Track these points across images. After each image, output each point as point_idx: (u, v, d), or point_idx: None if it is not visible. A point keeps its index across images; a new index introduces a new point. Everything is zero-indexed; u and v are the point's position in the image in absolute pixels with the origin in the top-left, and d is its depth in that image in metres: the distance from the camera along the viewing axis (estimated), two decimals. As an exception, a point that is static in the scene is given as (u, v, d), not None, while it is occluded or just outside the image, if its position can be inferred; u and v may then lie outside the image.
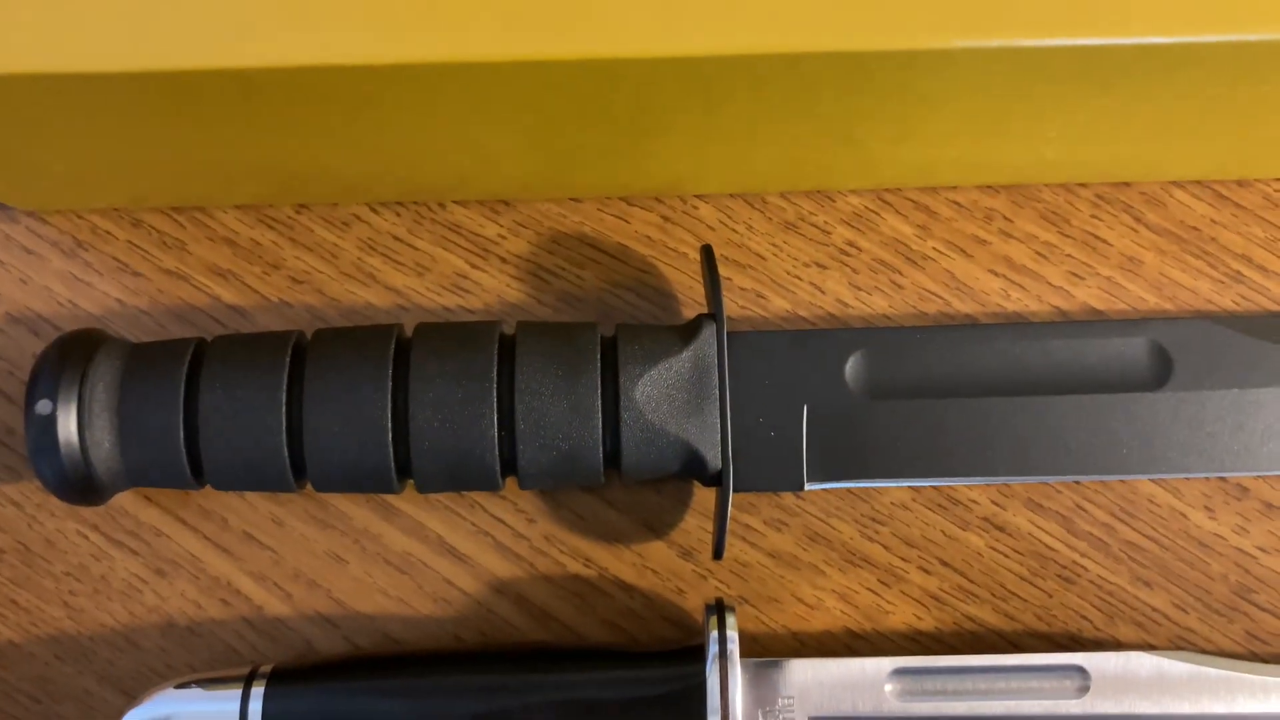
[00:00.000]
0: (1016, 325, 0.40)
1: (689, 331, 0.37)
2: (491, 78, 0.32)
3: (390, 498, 0.40)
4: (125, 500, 0.40)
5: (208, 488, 0.37)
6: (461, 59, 0.31)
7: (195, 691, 0.36)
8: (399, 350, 0.37)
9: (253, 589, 0.40)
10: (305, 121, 0.35)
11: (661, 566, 0.40)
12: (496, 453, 0.36)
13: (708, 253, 0.38)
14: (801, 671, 0.36)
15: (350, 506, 0.40)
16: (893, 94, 0.33)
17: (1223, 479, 0.40)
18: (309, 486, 0.37)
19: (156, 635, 0.40)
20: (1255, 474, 0.39)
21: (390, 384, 0.36)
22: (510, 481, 0.38)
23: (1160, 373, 0.38)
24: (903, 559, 0.40)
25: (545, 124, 0.36)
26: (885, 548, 0.40)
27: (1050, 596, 0.39)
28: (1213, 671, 0.36)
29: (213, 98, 0.33)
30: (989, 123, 0.36)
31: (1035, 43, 0.30)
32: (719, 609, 0.36)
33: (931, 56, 0.30)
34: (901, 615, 0.39)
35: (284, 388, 0.36)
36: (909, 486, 0.40)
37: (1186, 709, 0.36)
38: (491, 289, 0.41)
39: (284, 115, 0.34)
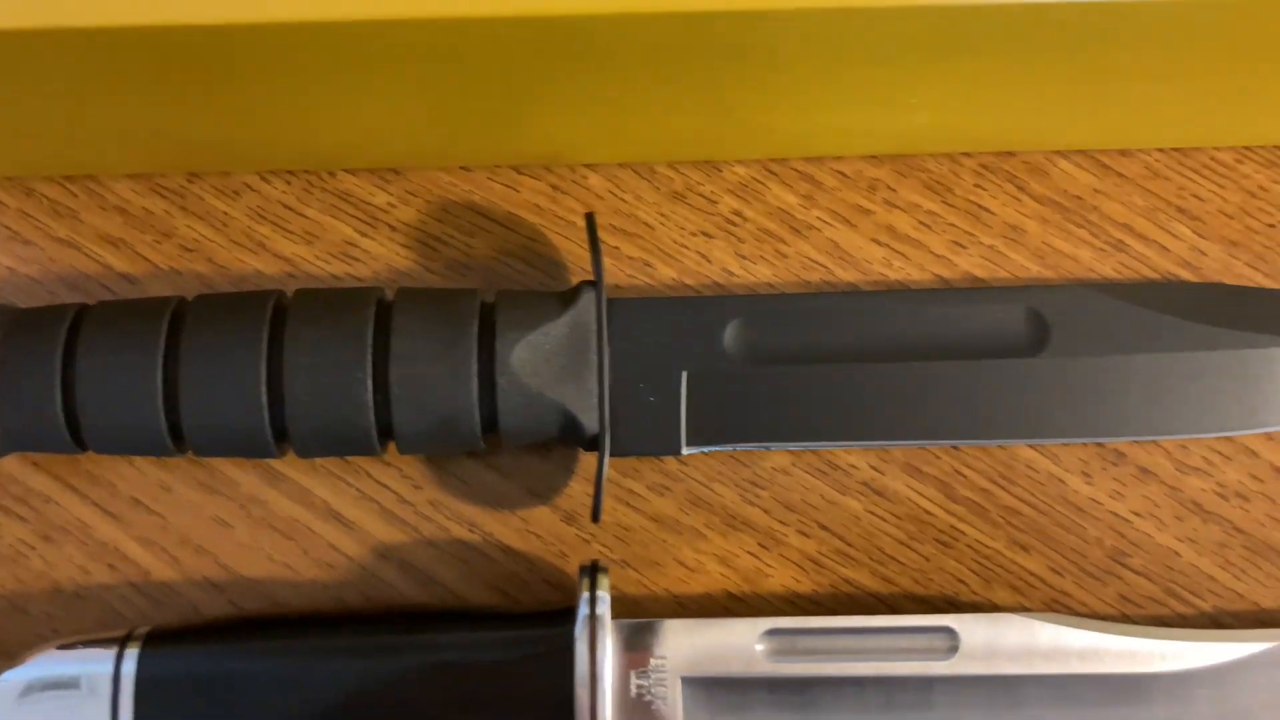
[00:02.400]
0: (895, 292, 0.40)
1: (569, 297, 0.38)
2: (352, 38, 0.32)
3: (277, 464, 0.40)
4: (12, 466, 0.40)
5: (94, 453, 0.38)
6: (318, 18, 0.31)
7: (73, 653, 0.36)
8: (276, 315, 0.37)
9: (140, 554, 0.40)
10: (178, 85, 0.35)
11: (545, 531, 0.40)
12: (372, 417, 0.36)
13: (590, 220, 0.39)
14: (674, 632, 0.36)
15: (237, 472, 0.41)
16: (747, 58, 0.33)
17: (1100, 444, 0.40)
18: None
19: (44, 601, 0.40)
20: (1131, 439, 0.40)
21: (265, 348, 0.36)
22: (394, 448, 0.38)
23: (1037, 339, 0.39)
24: (782, 523, 0.40)
25: (418, 89, 0.36)
26: (765, 511, 0.40)
27: (928, 560, 0.40)
28: (1081, 634, 0.36)
29: (77, 57, 0.33)
30: (850, 90, 0.36)
31: (868, 3, 0.30)
32: (592, 570, 0.37)
33: (771, 18, 0.30)
34: (780, 578, 0.40)
35: (161, 352, 0.36)
36: (789, 451, 0.40)
37: (1054, 670, 0.36)
38: (380, 257, 0.42)
39: (153, 78, 0.35)
